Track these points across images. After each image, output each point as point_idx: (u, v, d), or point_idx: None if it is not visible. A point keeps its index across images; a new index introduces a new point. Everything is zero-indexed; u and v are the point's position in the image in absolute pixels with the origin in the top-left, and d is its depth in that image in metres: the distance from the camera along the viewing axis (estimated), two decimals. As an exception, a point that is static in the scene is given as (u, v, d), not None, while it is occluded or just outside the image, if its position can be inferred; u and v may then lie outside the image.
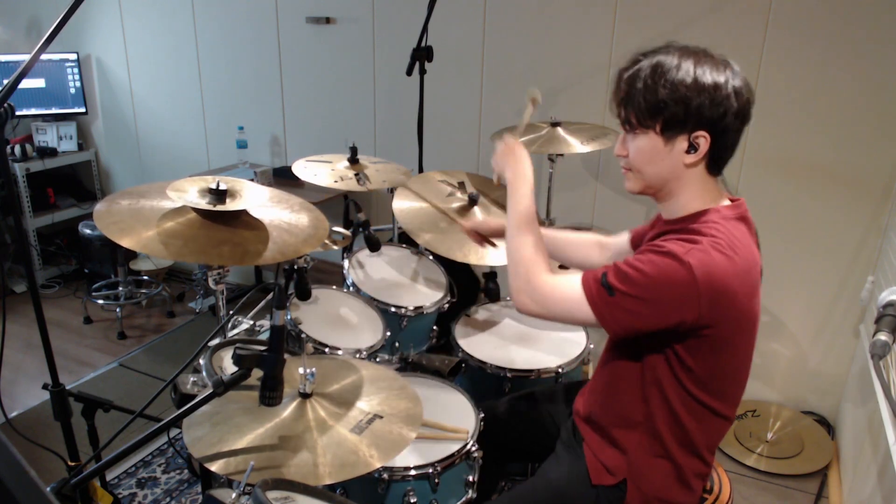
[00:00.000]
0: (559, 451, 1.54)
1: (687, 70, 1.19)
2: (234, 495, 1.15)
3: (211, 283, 1.66)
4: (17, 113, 1.59)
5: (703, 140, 1.21)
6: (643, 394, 1.32)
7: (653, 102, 1.20)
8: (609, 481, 1.39)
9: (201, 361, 1.52)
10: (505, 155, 1.51)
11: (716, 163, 1.26)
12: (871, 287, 2.47)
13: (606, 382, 1.42)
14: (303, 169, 2.22)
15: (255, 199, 1.54)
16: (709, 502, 1.54)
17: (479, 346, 2.01)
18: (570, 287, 1.26)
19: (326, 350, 1.84)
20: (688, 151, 1.22)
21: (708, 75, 1.19)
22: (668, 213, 1.33)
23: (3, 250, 4.12)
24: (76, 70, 3.97)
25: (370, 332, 1.99)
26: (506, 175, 1.48)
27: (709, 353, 1.24)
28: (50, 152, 3.96)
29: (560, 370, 1.90)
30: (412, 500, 1.49)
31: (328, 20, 3.31)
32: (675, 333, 1.22)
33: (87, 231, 3.44)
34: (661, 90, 1.18)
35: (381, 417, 1.31)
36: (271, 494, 1.07)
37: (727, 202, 1.30)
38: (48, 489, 0.96)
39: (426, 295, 2.19)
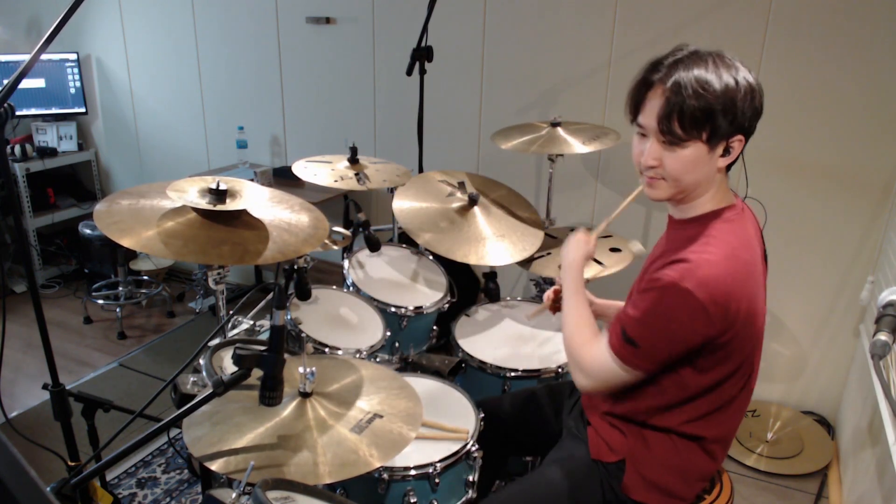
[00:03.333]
0: (564, 439, 1.57)
1: (726, 77, 1.19)
2: (234, 495, 1.15)
3: (211, 283, 1.66)
4: (17, 113, 1.59)
5: (739, 143, 1.25)
6: (659, 386, 1.34)
7: (704, 113, 1.19)
8: (608, 458, 1.41)
9: (201, 361, 1.52)
10: (565, 247, 1.59)
11: (734, 157, 1.29)
12: (871, 287, 2.47)
13: None
14: (303, 169, 2.23)
15: (255, 199, 1.54)
16: (708, 502, 1.54)
17: (479, 346, 2.01)
18: (603, 352, 1.33)
19: (326, 350, 1.84)
20: (723, 155, 1.25)
21: (742, 79, 1.20)
22: (680, 214, 1.35)
23: (3, 250, 4.12)
24: (76, 70, 3.97)
25: (370, 332, 1.99)
26: (561, 267, 1.57)
27: (723, 353, 1.27)
28: (50, 152, 3.96)
29: (560, 370, 1.90)
30: (412, 500, 1.49)
31: (328, 20, 3.31)
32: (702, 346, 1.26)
33: (87, 231, 3.44)
34: (710, 99, 1.18)
35: (381, 417, 1.31)
36: (271, 494, 1.07)
37: (733, 200, 1.34)
38: (48, 489, 0.96)
39: (426, 295, 2.19)
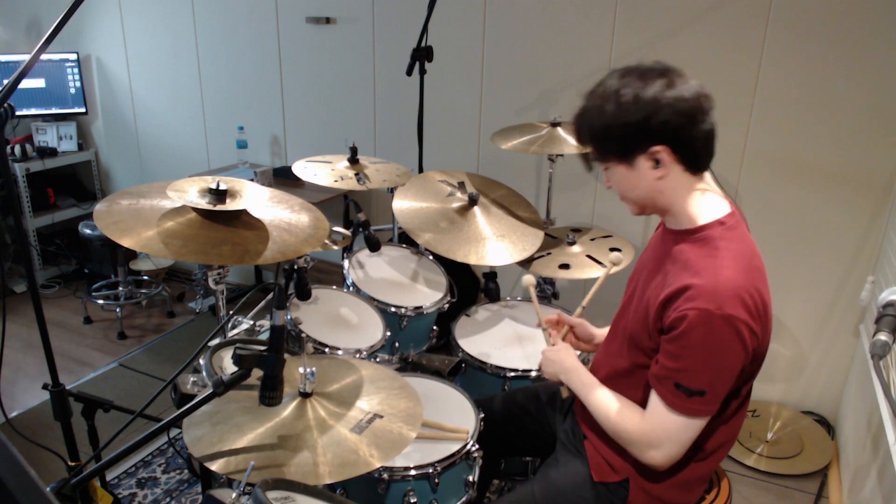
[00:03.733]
0: (559, 451, 1.55)
1: (620, 95, 1.21)
2: (234, 495, 1.15)
3: (211, 283, 1.66)
4: (17, 113, 1.59)
5: (664, 153, 1.22)
6: (648, 394, 1.32)
7: (600, 136, 1.25)
8: (612, 479, 1.39)
9: (201, 361, 1.52)
10: (547, 365, 1.53)
11: (693, 165, 1.25)
12: (871, 287, 2.47)
13: (611, 385, 1.42)
14: (303, 169, 2.23)
15: (255, 199, 1.54)
16: (707, 502, 1.54)
17: (479, 346, 2.01)
18: (664, 417, 1.25)
19: (326, 350, 1.84)
20: (654, 168, 1.24)
21: (640, 93, 1.19)
22: (673, 224, 1.33)
23: (3, 250, 4.12)
24: (76, 70, 3.97)
25: (370, 332, 1.99)
26: (561, 378, 1.49)
27: (756, 361, 1.27)
28: (50, 152, 3.96)
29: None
30: (412, 500, 1.49)
31: (328, 20, 3.31)
32: None
33: (87, 231, 3.44)
34: (603, 121, 1.22)
35: (381, 417, 1.31)
36: (271, 494, 1.07)
37: (727, 206, 1.30)
38: (48, 489, 0.96)
39: (426, 295, 2.19)
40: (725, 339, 1.16)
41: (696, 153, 1.23)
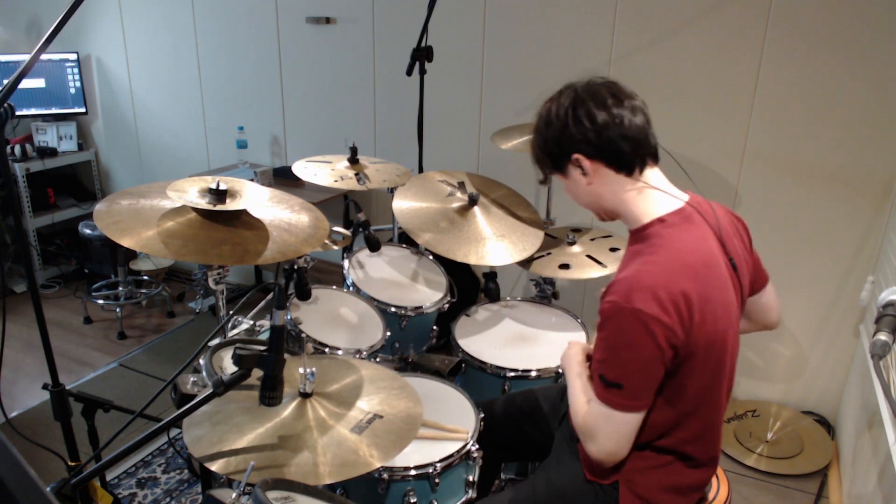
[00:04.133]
0: (557, 450, 1.55)
1: (541, 117, 1.37)
2: (234, 495, 1.15)
3: (211, 283, 1.66)
4: (17, 113, 1.59)
5: (583, 159, 1.32)
6: None
7: (536, 154, 1.41)
8: (604, 479, 1.40)
9: (201, 361, 1.52)
10: (562, 357, 1.57)
11: (621, 167, 1.31)
12: (871, 287, 2.47)
13: None
14: (303, 169, 2.23)
15: (255, 199, 1.54)
16: (707, 503, 1.54)
17: (479, 346, 2.01)
18: (594, 408, 1.29)
19: (326, 350, 1.84)
20: (583, 175, 1.34)
21: (555, 108, 1.33)
22: (629, 225, 1.37)
23: (3, 250, 4.12)
24: (76, 70, 3.97)
25: (370, 332, 1.99)
26: (563, 367, 1.54)
27: (695, 358, 1.25)
28: (50, 152, 3.96)
29: (560, 370, 1.90)
30: (412, 500, 1.49)
31: (328, 20, 3.31)
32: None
33: (87, 231, 3.44)
34: (536, 142, 1.39)
35: (381, 417, 1.31)
36: (271, 494, 1.07)
37: (677, 204, 1.32)
38: (48, 489, 0.96)
39: (426, 295, 2.19)
40: (633, 332, 1.19)
41: (616, 155, 1.30)
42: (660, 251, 1.25)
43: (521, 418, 1.71)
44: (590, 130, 1.28)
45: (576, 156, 1.31)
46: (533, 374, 1.89)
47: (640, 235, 1.32)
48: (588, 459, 1.41)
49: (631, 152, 1.29)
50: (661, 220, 1.30)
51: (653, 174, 1.34)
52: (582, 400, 1.37)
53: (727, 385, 1.36)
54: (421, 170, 2.80)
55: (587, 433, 1.32)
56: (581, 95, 1.31)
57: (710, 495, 1.57)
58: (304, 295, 1.93)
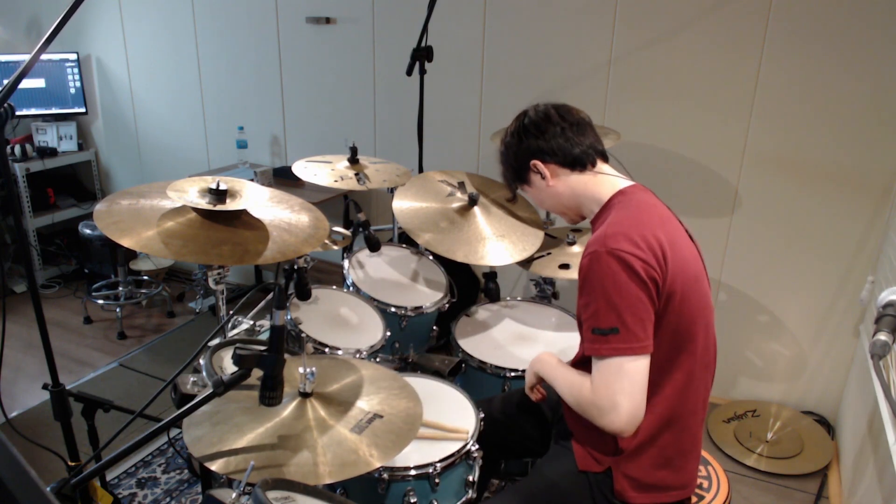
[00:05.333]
0: (553, 447, 1.57)
1: (502, 144, 1.59)
2: (234, 495, 1.16)
3: (211, 283, 1.66)
4: (17, 113, 1.59)
5: (539, 164, 1.50)
6: None
7: (503, 171, 1.62)
8: (596, 469, 1.41)
9: (201, 361, 1.52)
10: (527, 371, 1.63)
11: (573, 164, 1.48)
12: (871, 287, 2.47)
13: (579, 369, 1.44)
14: (303, 169, 2.22)
15: (255, 199, 1.54)
16: (706, 502, 1.54)
17: (479, 346, 2.01)
18: (600, 371, 1.30)
19: (326, 350, 1.84)
20: (542, 179, 1.51)
21: (505, 134, 1.57)
22: (592, 213, 1.51)
23: (3, 250, 4.12)
24: (76, 70, 3.97)
25: (370, 332, 1.99)
26: (536, 370, 1.58)
27: (670, 310, 1.31)
28: (50, 152, 3.96)
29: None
30: (412, 500, 1.49)
31: (328, 20, 3.31)
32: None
33: (87, 231, 3.44)
34: (502, 161, 1.61)
35: (381, 417, 1.31)
36: (271, 494, 1.07)
37: (631, 182, 1.47)
38: (48, 489, 0.96)
39: (426, 295, 2.19)
40: (614, 269, 1.26)
41: (567, 155, 1.47)
42: (627, 208, 1.39)
43: (519, 415, 1.72)
44: (540, 139, 1.49)
45: (532, 162, 1.50)
46: (533, 374, 1.89)
47: (605, 207, 1.44)
48: (580, 452, 1.43)
49: (580, 152, 1.47)
50: (621, 192, 1.44)
51: (605, 167, 1.51)
52: (578, 380, 1.37)
53: (711, 340, 1.41)
54: (421, 170, 2.80)
55: (600, 405, 1.28)
56: (530, 115, 1.53)
57: (710, 495, 1.57)
58: (304, 295, 1.93)
